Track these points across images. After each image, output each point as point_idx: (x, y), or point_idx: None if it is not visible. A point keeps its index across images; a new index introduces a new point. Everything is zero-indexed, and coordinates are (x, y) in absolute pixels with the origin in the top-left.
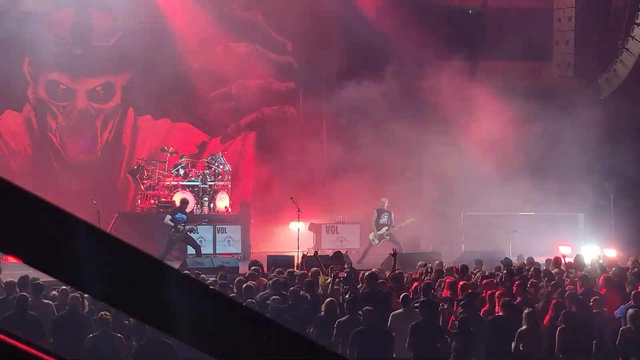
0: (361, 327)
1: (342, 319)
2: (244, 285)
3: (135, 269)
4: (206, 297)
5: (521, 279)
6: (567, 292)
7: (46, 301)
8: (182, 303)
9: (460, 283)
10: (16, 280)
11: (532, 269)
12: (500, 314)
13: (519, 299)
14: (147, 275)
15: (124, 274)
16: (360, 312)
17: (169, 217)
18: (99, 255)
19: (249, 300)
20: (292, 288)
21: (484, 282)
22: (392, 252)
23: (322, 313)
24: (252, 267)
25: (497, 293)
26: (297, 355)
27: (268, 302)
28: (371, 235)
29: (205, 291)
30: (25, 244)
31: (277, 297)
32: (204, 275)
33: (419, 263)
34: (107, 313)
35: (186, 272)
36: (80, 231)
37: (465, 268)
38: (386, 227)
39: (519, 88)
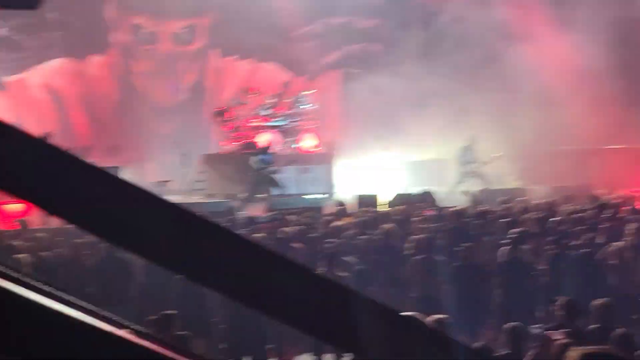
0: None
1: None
2: (330, 225)
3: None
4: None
5: (610, 214)
6: None
7: None
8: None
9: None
10: None
11: (621, 203)
12: (587, 250)
13: (607, 233)
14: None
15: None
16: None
17: (254, 158)
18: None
19: (335, 240)
20: (382, 226)
21: (572, 217)
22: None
23: (413, 251)
24: (338, 207)
25: (585, 228)
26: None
27: (355, 241)
28: (457, 172)
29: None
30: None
31: (364, 236)
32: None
33: (501, 199)
34: None
35: (271, 213)
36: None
37: (552, 204)
38: (472, 164)
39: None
